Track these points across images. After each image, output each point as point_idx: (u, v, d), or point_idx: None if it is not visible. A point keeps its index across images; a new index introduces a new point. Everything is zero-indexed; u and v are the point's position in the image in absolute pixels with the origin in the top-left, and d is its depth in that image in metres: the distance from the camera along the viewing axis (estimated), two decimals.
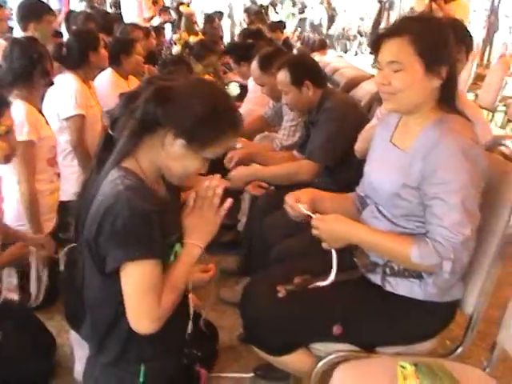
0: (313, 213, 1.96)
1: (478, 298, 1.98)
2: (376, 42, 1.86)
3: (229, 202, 1.81)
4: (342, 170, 2.94)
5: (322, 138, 3.02)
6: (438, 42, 1.81)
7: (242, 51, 4.98)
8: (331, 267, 1.91)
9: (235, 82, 6.53)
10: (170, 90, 1.64)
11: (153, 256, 1.60)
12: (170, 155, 1.67)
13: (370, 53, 2.08)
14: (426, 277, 1.87)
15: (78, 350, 2.12)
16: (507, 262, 2.02)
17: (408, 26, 1.80)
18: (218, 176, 1.82)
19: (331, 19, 15.10)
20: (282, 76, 3.11)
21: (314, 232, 1.92)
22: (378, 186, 1.98)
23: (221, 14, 11.72)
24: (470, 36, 2.60)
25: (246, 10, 10.94)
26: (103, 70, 4.34)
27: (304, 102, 3.14)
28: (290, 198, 2.05)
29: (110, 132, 1.74)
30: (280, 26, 8.28)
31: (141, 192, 1.62)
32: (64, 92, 3.58)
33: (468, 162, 1.73)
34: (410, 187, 1.83)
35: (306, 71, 3.10)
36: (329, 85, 4.59)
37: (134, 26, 5.94)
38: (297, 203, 2.01)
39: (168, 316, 1.65)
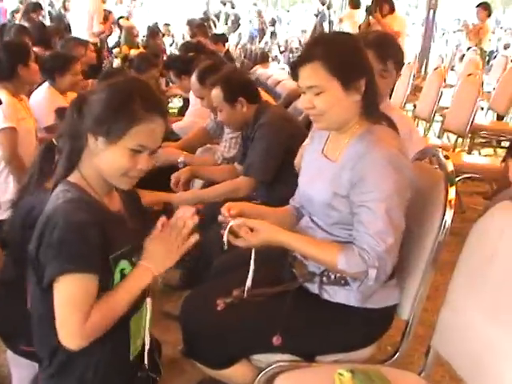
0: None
1: (413, 303, 2.03)
2: (293, 70, 1.91)
3: (195, 236, 1.74)
4: (279, 185, 2.97)
5: (257, 154, 3.06)
6: (348, 59, 1.86)
7: (182, 65, 5.00)
8: (261, 275, 1.96)
9: (178, 95, 6.54)
10: (84, 96, 1.66)
11: (86, 270, 1.56)
12: (100, 158, 1.64)
13: None
14: (351, 282, 1.91)
15: (15, 369, 2.08)
16: (445, 267, 2.09)
17: (316, 51, 1.84)
18: (192, 209, 1.77)
19: (262, 32, 15.23)
20: (216, 94, 3.15)
21: (241, 243, 1.91)
22: (311, 196, 2.02)
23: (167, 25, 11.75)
24: (399, 49, 2.65)
25: (189, 23, 10.94)
26: (40, 84, 4.26)
27: (238, 119, 3.18)
28: (223, 209, 2.03)
29: (55, 142, 1.73)
30: (222, 38, 8.32)
31: (80, 204, 1.60)
32: None
33: (393, 172, 1.78)
34: (340, 196, 1.87)
35: (239, 88, 3.13)
36: (271, 97, 4.66)
37: (76, 40, 5.83)
38: (228, 214, 1.98)
39: (98, 336, 1.60)
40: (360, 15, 12.17)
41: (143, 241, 1.74)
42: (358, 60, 1.89)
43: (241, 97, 3.11)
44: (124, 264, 1.69)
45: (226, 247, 1.92)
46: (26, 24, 6.47)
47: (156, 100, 1.68)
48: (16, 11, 9.98)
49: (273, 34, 14.79)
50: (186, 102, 5.64)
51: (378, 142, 1.83)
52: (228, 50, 8.02)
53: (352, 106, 1.88)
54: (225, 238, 1.91)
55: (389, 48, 2.57)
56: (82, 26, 6.85)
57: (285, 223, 2.13)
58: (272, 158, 3.02)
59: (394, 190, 1.79)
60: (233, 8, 15.64)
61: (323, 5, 12.77)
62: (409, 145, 2.39)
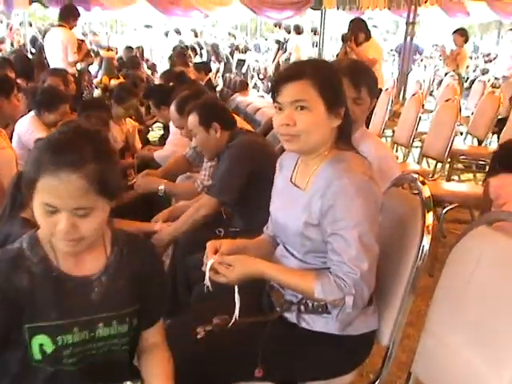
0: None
1: (393, 329, 2.02)
2: (276, 86, 1.88)
3: None
4: (256, 211, 2.94)
5: (218, 175, 3.12)
6: (336, 85, 1.89)
7: (161, 95, 5.03)
8: (241, 303, 1.92)
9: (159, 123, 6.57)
10: None
11: None
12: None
13: None
14: (331, 309, 1.90)
15: None
16: (426, 292, 2.10)
17: (307, 70, 1.85)
18: None
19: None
20: (191, 118, 3.23)
21: (221, 279, 1.89)
22: (282, 225, 2.02)
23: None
24: (373, 76, 2.68)
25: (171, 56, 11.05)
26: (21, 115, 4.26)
27: (212, 144, 3.23)
28: (209, 246, 2.00)
29: None
30: (205, 67, 8.35)
31: (9, 261, 1.49)
32: None
33: (361, 198, 1.78)
34: (311, 225, 1.87)
35: (214, 114, 3.21)
36: (249, 124, 4.69)
37: (53, 73, 5.82)
38: (212, 253, 1.96)
39: None
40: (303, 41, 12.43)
41: (111, 312, 1.58)
42: (340, 87, 1.91)
43: (215, 122, 3.17)
44: (43, 339, 1.49)
45: (210, 288, 1.92)
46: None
47: (71, 154, 1.37)
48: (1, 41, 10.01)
49: (241, 61, 14.82)
50: (167, 130, 5.66)
51: (346, 168, 1.84)
52: (210, 78, 8.07)
53: (329, 131, 1.89)
54: (207, 280, 1.91)
55: (362, 75, 2.60)
56: (58, 57, 6.87)
57: (264, 253, 2.13)
58: (233, 178, 3.05)
59: (365, 216, 1.79)
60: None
61: (289, 33, 12.90)
62: (385, 170, 2.42)
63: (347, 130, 1.95)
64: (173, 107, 4.02)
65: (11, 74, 5.07)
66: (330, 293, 1.80)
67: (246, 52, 15.28)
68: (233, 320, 1.93)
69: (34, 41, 10.05)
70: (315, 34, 14.38)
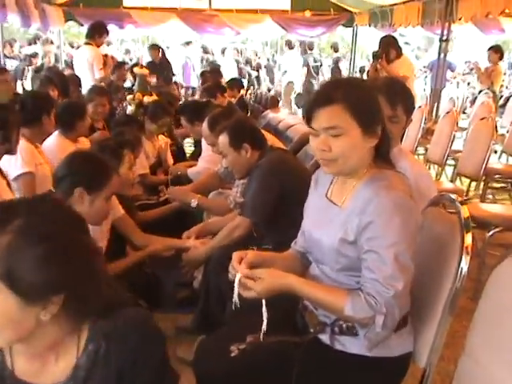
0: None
1: (430, 350, 1.97)
2: (308, 111, 1.86)
3: None
4: (288, 228, 2.92)
5: (249, 195, 3.13)
6: (370, 104, 1.86)
7: (194, 111, 5.06)
8: (275, 320, 1.89)
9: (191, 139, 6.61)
10: None
11: None
12: None
13: None
14: (359, 329, 1.87)
15: None
16: (463, 313, 2.05)
17: (339, 93, 1.81)
18: None
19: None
20: (222, 139, 3.25)
21: (249, 294, 1.86)
22: (317, 241, 1.99)
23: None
24: (409, 94, 2.66)
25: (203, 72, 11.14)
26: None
27: (243, 164, 3.25)
28: (234, 256, 1.98)
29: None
30: (237, 83, 8.35)
31: None
32: None
33: (400, 217, 1.76)
34: (347, 242, 1.85)
35: (244, 135, 3.22)
36: (281, 141, 4.69)
37: (99, 92, 5.83)
38: (237, 263, 1.94)
39: None
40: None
41: None
42: (376, 106, 1.88)
43: (246, 143, 3.19)
44: None
45: (238, 305, 1.89)
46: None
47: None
48: (33, 56, 10.16)
49: (256, 78, 14.81)
50: (199, 146, 5.69)
51: (385, 186, 1.81)
52: (242, 95, 8.08)
53: (367, 152, 1.87)
54: (235, 297, 1.88)
55: (398, 93, 2.58)
56: (85, 75, 6.98)
57: (292, 268, 2.11)
58: (264, 198, 3.06)
59: (403, 235, 1.76)
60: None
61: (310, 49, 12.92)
62: (422, 189, 2.39)
63: (385, 148, 1.92)
64: (205, 124, 4.05)
65: (54, 92, 5.15)
66: (360, 310, 1.77)
67: (258, 70, 15.30)
68: (261, 335, 1.89)
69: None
70: (335, 51, 14.39)
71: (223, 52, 14.29)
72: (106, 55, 7.57)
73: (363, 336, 1.86)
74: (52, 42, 12.06)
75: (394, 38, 7.52)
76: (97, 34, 7.22)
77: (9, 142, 3.12)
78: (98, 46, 7.31)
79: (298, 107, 11.42)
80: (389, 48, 7.08)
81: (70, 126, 4.24)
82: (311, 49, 13.02)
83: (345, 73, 13.39)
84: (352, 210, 1.85)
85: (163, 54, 9.86)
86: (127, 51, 15.91)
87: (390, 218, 1.76)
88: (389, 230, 1.76)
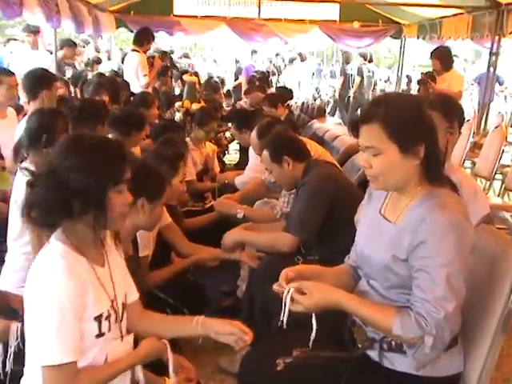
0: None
1: (481, 371, 1.95)
2: (353, 127, 1.90)
3: None
4: (334, 243, 2.89)
5: (298, 212, 3.11)
6: (408, 124, 1.83)
7: (244, 118, 5.09)
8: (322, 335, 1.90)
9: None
10: None
11: None
12: None
13: None
14: (406, 349, 1.86)
15: None
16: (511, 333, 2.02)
17: (377, 112, 1.82)
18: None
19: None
20: (264, 156, 3.29)
21: (295, 308, 1.88)
22: (368, 257, 1.99)
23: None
24: (462, 110, 2.64)
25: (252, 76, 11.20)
26: None
27: (288, 178, 3.27)
28: (281, 279, 1.99)
29: None
30: (286, 92, 8.22)
31: None
32: None
33: (455, 236, 1.75)
34: (399, 260, 1.84)
35: (284, 148, 3.23)
36: (328, 151, 4.67)
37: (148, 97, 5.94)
38: (284, 281, 1.95)
39: None
40: None
41: None
42: (418, 125, 1.84)
43: (286, 156, 3.19)
44: None
45: (284, 326, 1.90)
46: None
47: None
48: (97, 61, 10.31)
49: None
50: (244, 153, 5.71)
51: (440, 205, 1.80)
52: (290, 105, 8.02)
53: (409, 170, 1.85)
54: (285, 315, 1.89)
55: (453, 108, 2.57)
56: (132, 81, 7.09)
57: (342, 283, 2.11)
58: (312, 216, 3.05)
59: (456, 255, 1.74)
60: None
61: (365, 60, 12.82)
62: (473, 206, 2.36)
63: (434, 166, 1.87)
64: (254, 133, 4.06)
65: (106, 97, 5.23)
66: (409, 330, 1.76)
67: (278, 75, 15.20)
68: (310, 347, 1.90)
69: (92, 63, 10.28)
70: (347, 63, 14.34)
71: (292, 61, 14.26)
72: (153, 57, 7.65)
73: (411, 356, 1.84)
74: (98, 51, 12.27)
75: (448, 49, 7.42)
76: (145, 40, 7.32)
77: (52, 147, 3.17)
78: (145, 52, 7.42)
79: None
80: (444, 59, 7.03)
81: (126, 135, 4.22)
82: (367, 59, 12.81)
83: (393, 84, 13.30)
84: (405, 228, 1.84)
85: (170, 60, 9.87)
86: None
87: (444, 237, 1.75)
88: (441, 249, 1.75)
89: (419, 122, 1.85)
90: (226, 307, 3.73)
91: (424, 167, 1.86)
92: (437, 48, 7.39)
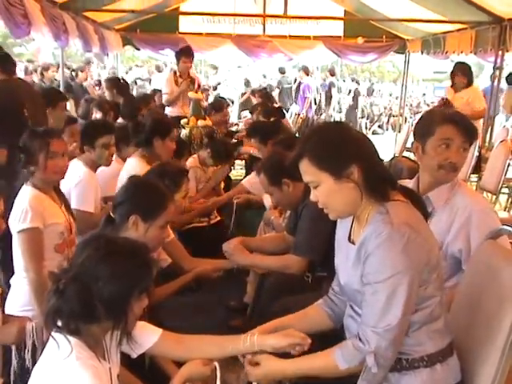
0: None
1: None
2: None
3: None
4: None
5: (302, 234, 3.11)
6: (332, 149, 1.85)
7: (266, 130, 5.12)
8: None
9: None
10: None
11: None
12: None
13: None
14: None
15: None
16: None
17: (304, 148, 1.88)
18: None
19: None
20: (262, 180, 3.30)
21: (250, 378, 1.96)
22: (344, 283, 2.02)
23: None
24: (476, 129, 2.63)
25: (253, 91, 11.29)
26: None
27: (289, 199, 3.27)
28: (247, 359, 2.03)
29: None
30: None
31: None
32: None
33: (397, 250, 1.75)
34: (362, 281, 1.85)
35: (281, 170, 3.14)
36: None
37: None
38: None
39: None
40: None
41: None
42: (343, 147, 1.85)
43: (284, 178, 3.19)
44: None
45: None
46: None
47: None
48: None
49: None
50: (249, 170, 5.72)
51: (384, 221, 1.80)
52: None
53: (349, 193, 1.85)
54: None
55: (471, 126, 2.53)
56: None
57: (310, 325, 2.15)
58: (316, 237, 3.02)
59: (401, 268, 1.74)
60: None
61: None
62: (485, 225, 2.37)
63: (374, 183, 1.86)
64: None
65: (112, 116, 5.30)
66: (351, 359, 1.79)
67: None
68: None
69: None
70: (331, 75, 14.40)
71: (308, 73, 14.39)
72: (180, 76, 7.51)
73: (360, 379, 1.82)
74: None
75: (466, 64, 7.48)
76: (183, 55, 7.33)
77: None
78: (181, 70, 7.38)
79: None
80: (469, 75, 7.15)
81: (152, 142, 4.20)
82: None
83: (398, 98, 13.32)
84: (359, 248, 1.86)
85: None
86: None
87: (385, 251, 1.76)
88: (384, 264, 1.76)
89: (344, 144, 1.86)
90: (235, 326, 3.70)
91: (365, 186, 1.85)
92: (459, 63, 7.51)
